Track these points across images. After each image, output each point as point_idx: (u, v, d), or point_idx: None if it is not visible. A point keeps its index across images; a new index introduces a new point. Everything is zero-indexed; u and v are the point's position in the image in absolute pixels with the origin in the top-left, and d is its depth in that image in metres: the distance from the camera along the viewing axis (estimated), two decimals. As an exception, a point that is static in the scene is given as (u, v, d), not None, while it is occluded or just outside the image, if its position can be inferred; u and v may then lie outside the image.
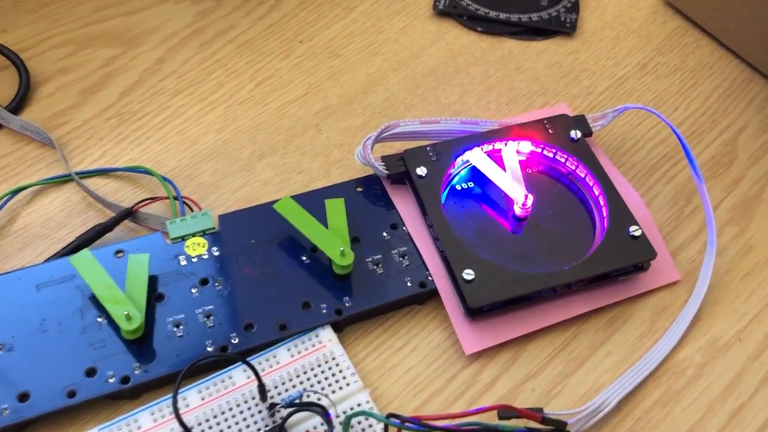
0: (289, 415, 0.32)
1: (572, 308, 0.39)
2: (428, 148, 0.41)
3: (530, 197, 0.40)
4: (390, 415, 0.30)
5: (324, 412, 0.31)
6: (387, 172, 0.41)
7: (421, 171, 0.40)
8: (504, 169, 0.42)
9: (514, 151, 0.42)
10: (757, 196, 0.44)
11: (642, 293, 0.40)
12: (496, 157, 0.43)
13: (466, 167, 0.42)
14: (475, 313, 0.37)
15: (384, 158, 0.41)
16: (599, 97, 0.49)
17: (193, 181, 0.44)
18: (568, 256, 0.39)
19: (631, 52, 0.52)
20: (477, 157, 0.41)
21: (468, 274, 0.37)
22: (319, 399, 0.34)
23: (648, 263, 0.39)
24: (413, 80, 0.49)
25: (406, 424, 0.30)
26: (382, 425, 0.32)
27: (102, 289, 0.35)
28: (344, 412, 0.34)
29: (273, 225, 0.40)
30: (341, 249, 0.37)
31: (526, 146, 0.43)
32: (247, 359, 0.35)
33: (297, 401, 0.32)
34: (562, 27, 0.52)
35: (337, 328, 0.38)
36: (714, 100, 0.49)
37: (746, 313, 0.40)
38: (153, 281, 0.37)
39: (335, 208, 0.39)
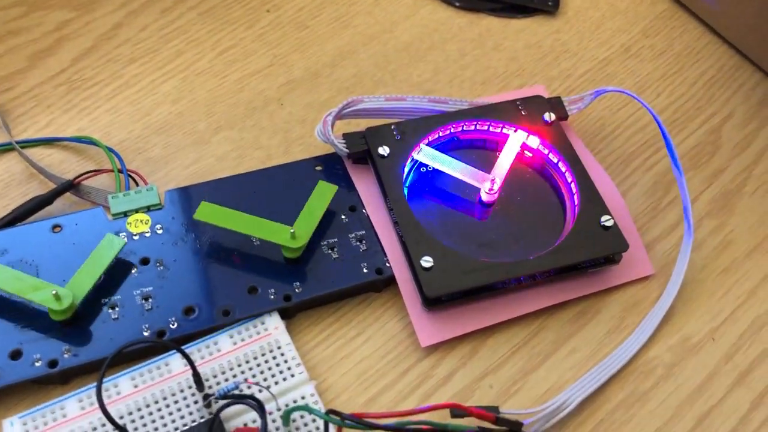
0: (222, 408, 0.29)
1: (537, 301, 0.36)
2: (392, 127, 0.39)
3: (497, 181, 0.38)
4: (330, 412, 0.28)
5: (259, 406, 0.29)
6: (347, 150, 0.38)
7: (384, 150, 0.38)
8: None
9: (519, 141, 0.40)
10: (738, 189, 0.42)
11: (612, 287, 0.38)
12: (466, 139, 0.40)
13: (431, 148, 0.40)
14: (433, 303, 0.35)
15: (345, 136, 0.39)
16: (579, 79, 0.47)
17: (143, 155, 0.41)
18: (536, 245, 0.37)
19: (615, 34, 0.49)
20: (426, 153, 0.38)
21: (426, 262, 0.34)
22: (260, 391, 0.32)
23: (619, 255, 0.37)
24: (384, 56, 0.47)
25: (346, 421, 0.27)
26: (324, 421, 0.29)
27: (13, 285, 0.33)
28: (287, 405, 0.32)
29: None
30: (291, 231, 0.35)
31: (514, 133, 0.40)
32: (186, 346, 0.33)
33: (233, 393, 0.30)
34: (544, 5, 0.49)
35: (287, 315, 0.35)
36: (699, 86, 0.47)
37: (721, 312, 0.38)
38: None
39: (323, 193, 0.37)
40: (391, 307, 0.37)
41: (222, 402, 0.30)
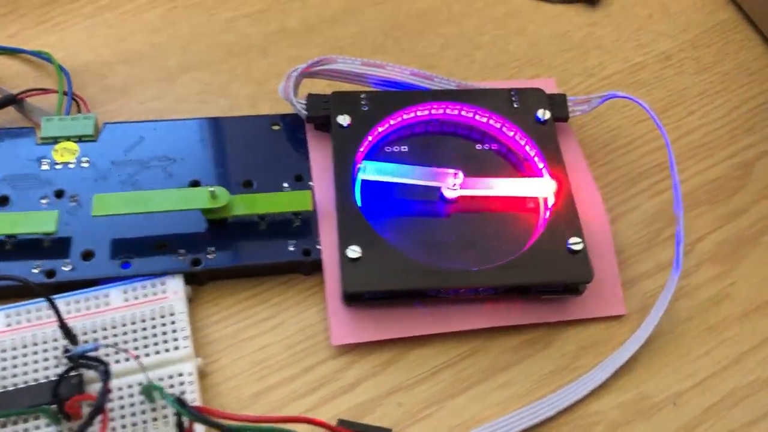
0: (68, 370, 0.26)
1: (477, 319, 0.32)
2: (362, 95, 0.35)
3: (460, 175, 0.33)
4: (178, 399, 0.24)
5: (104, 371, 0.25)
6: (306, 112, 0.34)
7: (344, 120, 0.34)
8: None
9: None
10: (755, 237, 0.36)
11: (572, 321, 0.33)
12: (449, 123, 0.36)
13: (402, 126, 0.35)
14: (353, 299, 0.31)
15: (309, 97, 0.35)
16: (603, 81, 0.41)
17: (103, 82, 0.38)
18: (493, 255, 0.32)
19: (658, 38, 0.43)
20: (371, 169, 0.34)
21: (353, 252, 0.30)
22: (127, 359, 0.28)
23: (583, 286, 0.32)
24: (394, 20, 0.42)
25: (189, 411, 0.24)
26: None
27: None
28: (161, 379, 0.29)
29: (160, 146, 0.34)
30: (211, 190, 0.31)
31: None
32: (74, 293, 0.30)
33: (87, 355, 0.26)
34: (585, -7, 0.44)
35: (196, 281, 0.32)
36: (742, 112, 0.41)
37: (693, 374, 0.32)
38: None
39: (296, 199, 0.33)
40: (315, 294, 0.33)
41: (68, 365, 0.26)
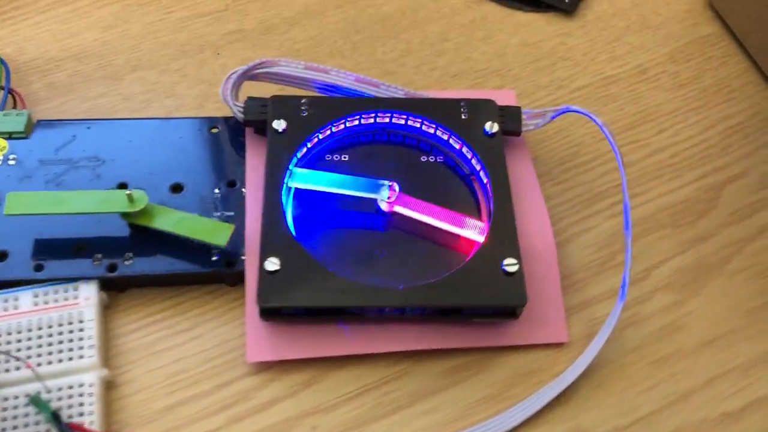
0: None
1: (403, 341, 0.30)
2: (303, 100, 0.33)
3: (396, 187, 0.31)
4: (54, 414, 0.23)
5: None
6: (244, 116, 0.33)
7: (279, 125, 0.32)
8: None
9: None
10: (719, 265, 0.34)
11: (509, 347, 0.31)
12: (396, 133, 0.34)
13: (345, 134, 0.34)
14: (270, 314, 0.29)
15: (249, 100, 0.33)
16: (571, 94, 0.39)
17: (48, 78, 0.37)
18: (423, 275, 0.30)
19: (634, 51, 0.41)
20: (301, 177, 0.32)
21: (272, 264, 0.29)
22: (18, 368, 0.27)
23: (518, 310, 0.30)
24: (355, 24, 0.41)
25: (61, 427, 0.22)
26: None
27: None
28: (60, 389, 0.27)
29: (92, 146, 0.33)
30: (128, 193, 0.29)
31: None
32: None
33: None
34: (559, 2, 0.42)
35: (115, 287, 0.31)
36: (717, 132, 0.38)
37: (636, 409, 0.30)
38: None
39: (214, 231, 0.31)
40: (238, 306, 0.31)
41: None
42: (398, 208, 0.31)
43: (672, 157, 0.37)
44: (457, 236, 0.31)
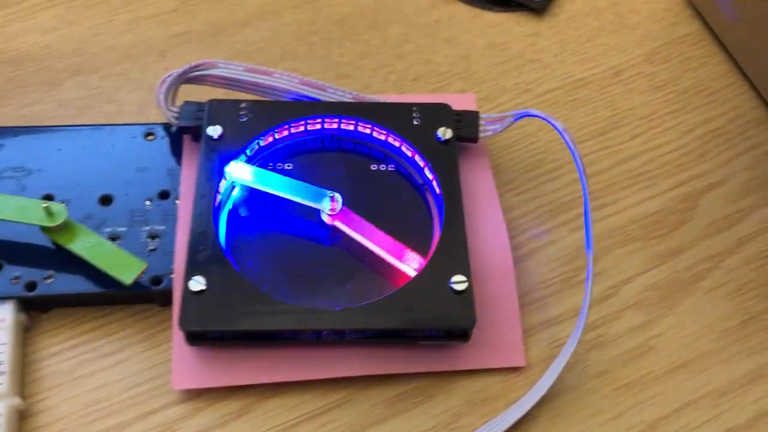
0: None
1: (343, 366, 0.27)
2: (242, 105, 0.31)
3: (338, 198, 0.29)
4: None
5: None
6: (178, 122, 0.31)
7: (215, 131, 0.30)
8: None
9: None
10: (693, 282, 0.31)
11: (462, 371, 0.28)
12: (346, 139, 0.32)
13: (290, 140, 0.31)
14: (196, 338, 0.27)
15: (184, 104, 0.31)
16: (538, 98, 0.37)
17: (-19, 83, 0.35)
18: (366, 293, 0.28)
19: (608, 52, 0.38)
20: (238, 170, 0.30)
21: (197, 284, 0.26)
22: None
23: (469, 331, 0.27)
24: (312, 25, 0.38)
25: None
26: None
27: None
28: (-37, 421, 0.25)
29: (19, 156, 0.31)
30: (44, 206, 0.27)
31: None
32: None
33: None
34: (530, 1, 0.39)
35: (38, 307, 0.28)
36: (695, 137, 0.36)
37: (598, 440, 0.27)
38: None
39: (123, 266, 0.28)
40: (168, 329, 0.29)
41: None
42: (339, 224, 0.29)
43: (646, 164, 0.35)
44: (415, 247, 0.29)
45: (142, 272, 0.27)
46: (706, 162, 0.35)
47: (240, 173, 0.29)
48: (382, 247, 0.28)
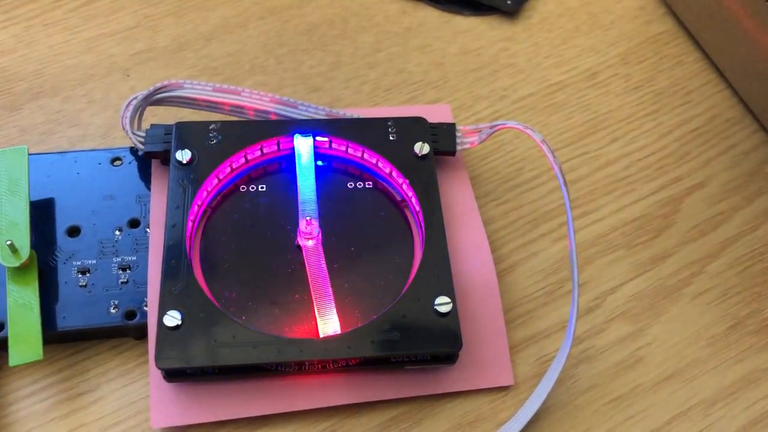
0: None
1: (328, 395, 0.27)
2: (212, 126, 0.30)
3: (314, 224, 0.28)
4: None
5: None
6: (144, 147, 0.30)
7: (184, 156, 0.29)
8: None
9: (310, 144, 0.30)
10: (678, 288, 0.31)
11: (449, 393, 0.28)
12: (322, 155, 0.31)
13: (263, 161, 0.30)
14: (174, 375, 0.26)
15: (151, 128, 0.30)
16: (514, 104, 0.36)
17: (-64, 111, 0.33)
18: (348, 319, 0.27)
19: (583, 54, 0.38)
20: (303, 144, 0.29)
21: (171, 319, 0.25)
22: None
23: (454, 355, 0.27)
24: (279, 36, 0.37)
25: None
26: None
27: None
28: (-68, 475, 0.24)
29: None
30: (7, 242, 0.26)
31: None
32: None
33: None
34: (501, 3, 0.39)
35: (3, 347, 0.27)
36: (674, 138, 0.35)
37: (590, 459, 0.27)
38: None
39: (13, 163, 0.28)
40: (145, 362, 0.28)
41: None
42: (304, 250, 0.28)
43: (626, 168, 0.34)
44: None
45: (31, 362, 0.26)
46: (686, 164, 0.35)
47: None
48: (318, 296, 0.27)
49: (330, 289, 0.27)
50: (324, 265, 0.27)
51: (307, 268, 0.27)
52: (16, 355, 0.25)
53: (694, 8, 0.37)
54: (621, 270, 0.31)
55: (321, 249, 0.28)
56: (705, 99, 0.37)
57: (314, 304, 0.27)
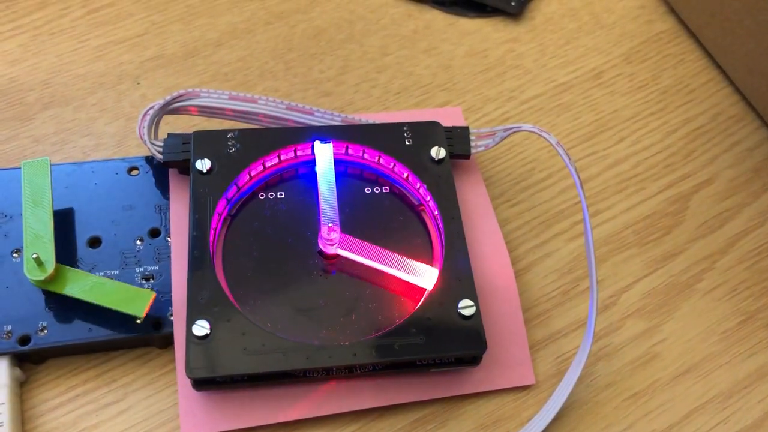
0: None
1: (356, 399, 0.27)
2: (230, 135, 0.30)
3: (336, 230, 0.28)
4: None
5: None
6: (163, 157, 0.30)
7: (204, 165, 0.29)
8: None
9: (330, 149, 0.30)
10: (690, 284, 0.32)
11: (472, 394, 0.28)
12: (338, 161, 0.31)
13: (281, 168, 0.31)
14: (204, 383, 0.26)
15: (169, 137, 0.30)
16: (522, 105, 0.36)
17: (-53, 123, 0.33)
18: (371, 325, 0.27)
19: (588, 54, 0.38)
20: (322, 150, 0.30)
21: (201, 328, 0.26)
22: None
23: (478, 357, 0.27)
24: (288, 42, 0.37)
25: None
26: None
27: None
28: (-33, 490, 0.24)
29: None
30: (33, 255, 0.26)
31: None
32: None
33: None
34: (505, 5, 0.39)
35: (31, 360, 0.27)
36: (680, 137, 0.36)
37: (612, 454, 0.27)
38: None
39: (36, 174, 0.28)
40: (171, 371, 0.28)
41: None
42: (343, 252, 0.28)
43: (634, 167, 0.35)
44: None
45: (152, 301, 0.26)
46: (692, 161, 0.35)
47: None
48: (391, 265, 0.28)
49: (390, 252, 0.28)
50: (366, 244, 0.28)
51: (355, 259, 0.28)
52: (136, 309, 0.26)
53: (694, 7, 0.38)
54: (634, 267, 0.32)
55: (351, 237, 0.28)
56: (708, 97, 0.37)
57: (398, 273, 0.27)
